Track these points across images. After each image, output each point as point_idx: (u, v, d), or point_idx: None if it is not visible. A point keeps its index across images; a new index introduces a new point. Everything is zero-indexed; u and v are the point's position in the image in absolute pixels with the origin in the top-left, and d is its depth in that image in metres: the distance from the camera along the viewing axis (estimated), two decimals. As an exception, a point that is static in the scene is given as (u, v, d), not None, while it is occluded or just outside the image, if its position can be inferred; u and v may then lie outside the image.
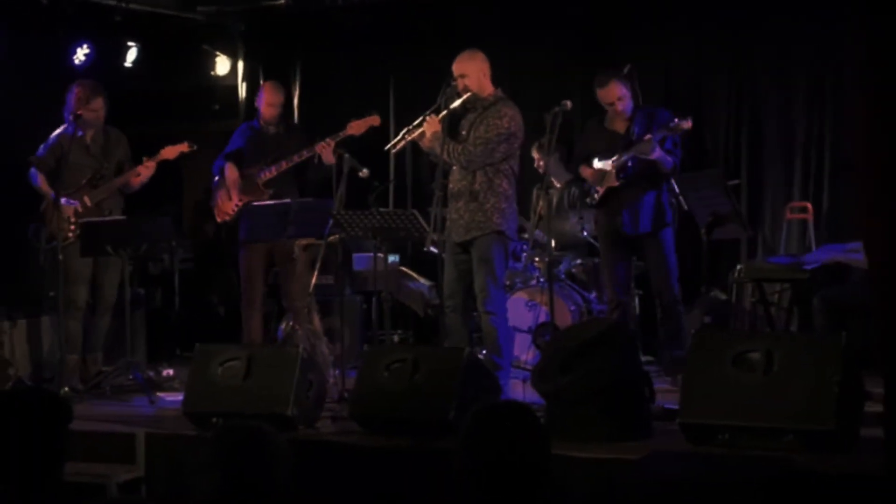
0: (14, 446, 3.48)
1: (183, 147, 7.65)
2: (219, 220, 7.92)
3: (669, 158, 7.02)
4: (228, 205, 7.77)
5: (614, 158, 7.08)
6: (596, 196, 7.23)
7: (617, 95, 7.10)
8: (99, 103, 7.48)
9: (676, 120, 6.98)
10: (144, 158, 7.56)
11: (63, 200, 7.33)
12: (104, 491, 5.58)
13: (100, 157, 7.58)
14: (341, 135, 7.53)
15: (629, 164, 7.08)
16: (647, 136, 6.95)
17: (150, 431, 6.01)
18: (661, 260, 7.15)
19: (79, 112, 7.37)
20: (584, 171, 7.30)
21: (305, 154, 7.59)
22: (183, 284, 9.30)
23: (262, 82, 8.90)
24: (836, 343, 5.05)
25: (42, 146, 7.57)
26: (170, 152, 7.63)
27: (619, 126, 7.21)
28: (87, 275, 7.51)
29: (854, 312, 6.57)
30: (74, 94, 7.48)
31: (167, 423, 6.23)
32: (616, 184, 7.10)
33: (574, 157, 7.48)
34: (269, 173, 7.68)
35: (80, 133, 7.45)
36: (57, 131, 7.59)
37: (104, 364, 7.66)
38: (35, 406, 3.57)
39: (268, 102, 7.86)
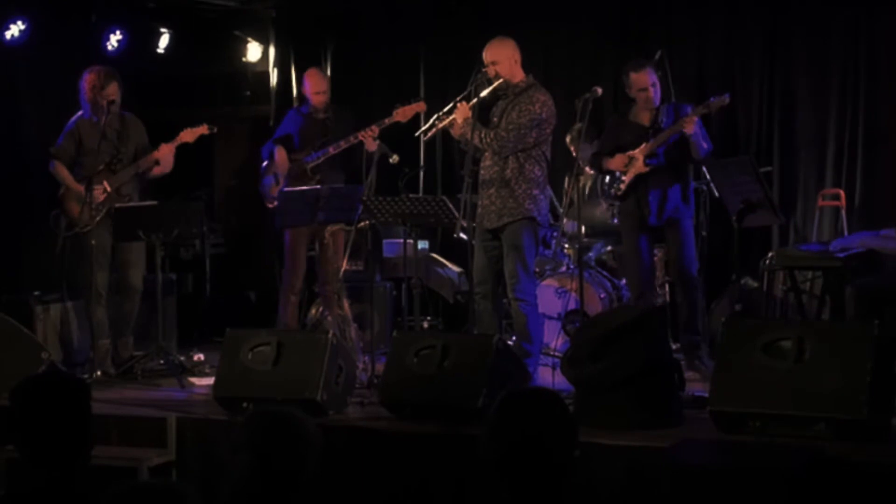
0: (42, 429, 3.51)
1: (202, 129, 7.61)
2: (268, 205, 7.92)
3: (704, 144, 7.00)
4: (276, 190, 7.78)
5: (642, 147, 7.07)
6: (621, 186, 7.19)
7: (650, 81, 7.08)
8: (113, 88, 7.43)
9: (713, 98, 6.96)
10: (162, 145, 7.56)
11: (73, 187, 7.37)
12: (136, 474, 5.62)
13: (116, 142, 7.57)
14: (387, 121, 7.48)
15: (659, 150, 7.05)
16: (690, 112, 6.95)
17: (181, 416, 6.04)
18: (681, 246, 7.12)
19: (96, 99, 7.37)
20: (610, 163, 7.27)
21: (352, 140, 7.57)
22: (214, 270, 9.34)
23: (298, 70, 8.91)
24: (869, 331, 5.02)
25: (60, 136, 7.60)
26: (189, 135, 7.59)
27: (645, 118, 7.18)
28: (106, 261, 7.52)
29: (888, 301, 6.52)
30: (87, 80, 7.45)
31: (198, 407, 6.26)
32: (644, 170, 7.07)
33: (598, 152, 7.43)
34: (317, 159, 7.68)
35: (95, 119, 7.46)
36: (73, 118, 7.59)
37: (136, 349, 7.70)
38: (60, 390, 3.59)
39: (313, 91, 7.82)
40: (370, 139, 7.42)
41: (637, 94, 7.14)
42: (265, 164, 7.94)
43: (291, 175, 7.74)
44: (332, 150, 7.63)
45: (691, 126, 6.88)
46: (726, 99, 6.98)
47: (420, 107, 7.53)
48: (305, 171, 7.68)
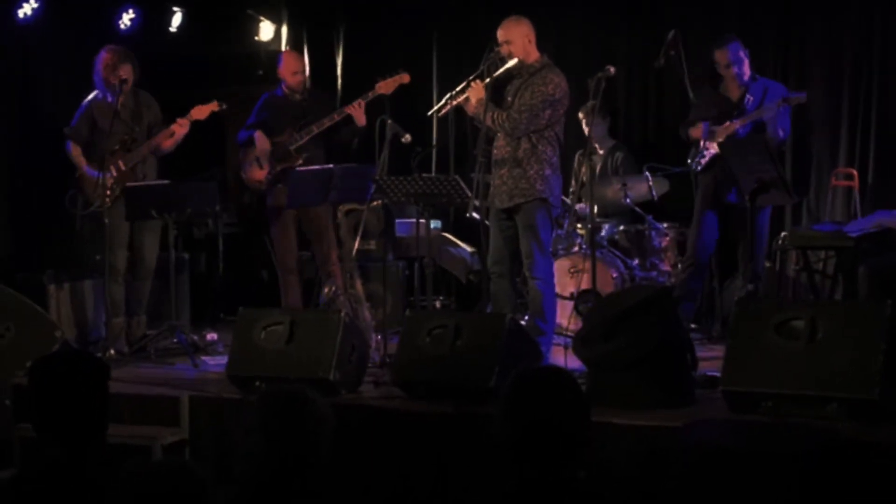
0: (59, 408, 3.53)
1: (213, 106, 7.63)
2: (251, 188, 7.98)
3: (780, 132, 7.23)
4: (260, 173, 7.80)
5: (725, 125, 7.22)
6: (702, 161, 7.36)
7: (731, 58, 7.34)
8: (127, 69, 7.44)
9: (793, 94, 7.18)
10: (178, 119, 7.57)
11: (85, 170, 7.39)
12: (149, 453, 5.64)
13: (130, 121, 7.57)
14: (370, 95, 7.55)
15: (739, 131, 7.18)
16: (774, 104, 7.15)
17: (194, 394, 6.06)
18: (756, 232, 7.20)
19: (109, 79, 7.39)
20: (694, 131, 7.48)
21: (336, 117, 7.62)
22: (227, 249, 9.35)
23: (311, 50, 8.96)
24: (882, 311, 5.00)
25: (74, 116, 7.61)
26: (200, 112, 7.61)
27: (734, 93, 7.37)
28: (124, 239, 7.55)
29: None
30: (102, 59, 7.47)
31: (211, 386, 6.27)
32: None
33: (686, 121, 7.64)
34: (300, 139, 7.70)
35: (109, 98, 7.48)
36: (87, 98, 7.61)
37: (149, 328, 7.73)
38: (78, 368, 3.61)
39: (292, 71, 7.86)
40: (359, 113, 7.47)
41: (724, 71, 7.39)
42: (242, 149, 7.93)
43: (275, 157, 7.76)
44: (315, 130, 7.67)
45: (771, 114, 7.12)
46: (803, 97, 7.17)
47: (403, 78, 7.55)
48: (290, 153, 7.70)
